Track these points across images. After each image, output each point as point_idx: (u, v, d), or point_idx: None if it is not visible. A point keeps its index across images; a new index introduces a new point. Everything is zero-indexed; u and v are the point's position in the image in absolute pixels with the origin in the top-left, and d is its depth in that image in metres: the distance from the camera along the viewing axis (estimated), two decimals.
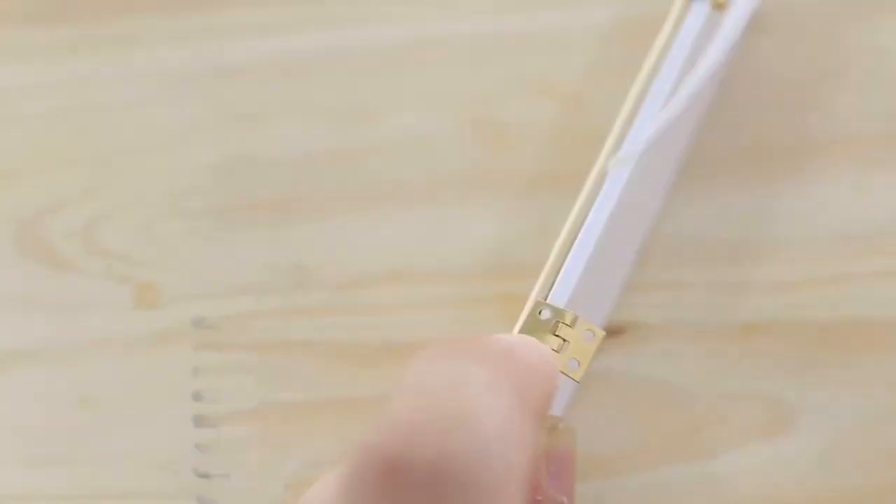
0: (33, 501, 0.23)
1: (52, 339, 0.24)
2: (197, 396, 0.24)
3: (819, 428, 0.23)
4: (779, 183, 0.25)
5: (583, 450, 0.20)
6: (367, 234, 0.25)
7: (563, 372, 0.18)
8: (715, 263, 0.25)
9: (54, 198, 0.25)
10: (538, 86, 0.26)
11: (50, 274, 0.25)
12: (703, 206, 0.25)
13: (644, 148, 0.20)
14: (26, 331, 0.24)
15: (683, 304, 0.24)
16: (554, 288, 0.19)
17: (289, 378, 0.24)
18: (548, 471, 0.20)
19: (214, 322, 0.24)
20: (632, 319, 0.24)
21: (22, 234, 0.25)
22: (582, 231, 0.20)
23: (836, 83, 0.26)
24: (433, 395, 0.15)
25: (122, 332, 0.24)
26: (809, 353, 0.24)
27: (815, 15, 0.26)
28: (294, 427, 0.24)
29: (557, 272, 0.19)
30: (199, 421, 0.24)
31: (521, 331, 0.19)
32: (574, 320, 0.18)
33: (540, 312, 0.18)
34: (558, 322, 0.18)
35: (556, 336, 0.18)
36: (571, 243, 0.20)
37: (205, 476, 0.23)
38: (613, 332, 0.24)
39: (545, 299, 0.19)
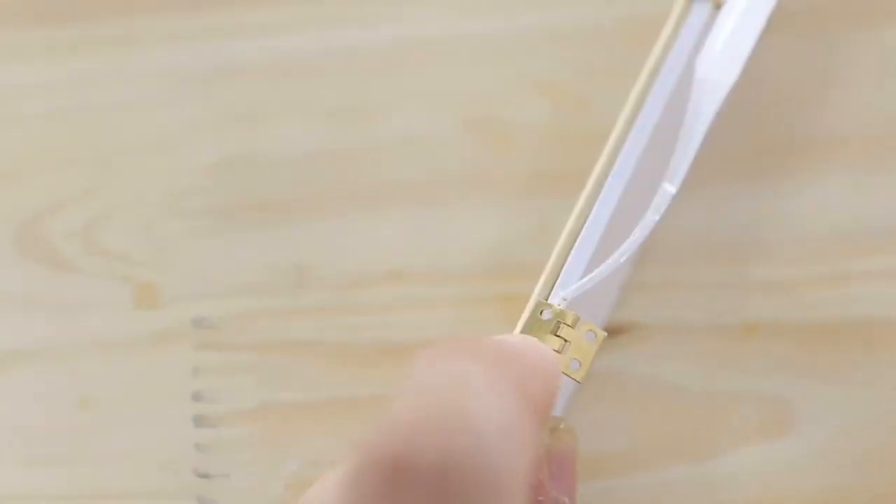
0: (33, 501, 0.23)
1: (52, 339, 0.24)
2: (197, 396, 0.24)
3: (819, 428, 0.23)
4: (779, 183, 0.25)
5: (583, 450, 0.20)
6: (367, 234, 0.25)
7: (564, 373, 0.18)
8: (715, 263, 0.25)
9: (54, 198, 0.25)
10: (538, 86, 0.26)
11: (50, 274, 0.25)
12: (703, 206, 0.25)
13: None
14: (26, 331, 0.24)
15: (683, 304, 0.24)
16: (555, 289, 0.19)
17: (289, 378, 0.24)
18: (549, 471, 0.20)
19: (214, 322, 0.24)
20: (632, 319, 0.24)
21: (22, 234, 0.25)
22: (583, 231, 0.20)
23: (836, 83, 0.26)
24: (434, 395, 0.15)
25: (122, 332, 0.24)
26: (809, 353, 0.24)
27: (814, 15, 0.26)
28: (294, 427, 0.24)
29: (558, 273, 0.20)
30: (199, 421, 0.24)
31: (523, 331, 0.19)
32: (575, 321, 0.18)
33: (541, 313, 0.18)
34: (559, 323, 0.18)
35: (558, 337, 0.18)
36: (573, 244, 0.20)
37: (205, 476, 0.23)
38: (613, 332, 0.24)
39: (546, 300, 0.19)
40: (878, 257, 0.24)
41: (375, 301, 0.24)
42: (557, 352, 0.18)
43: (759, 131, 0.25)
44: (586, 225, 0.20)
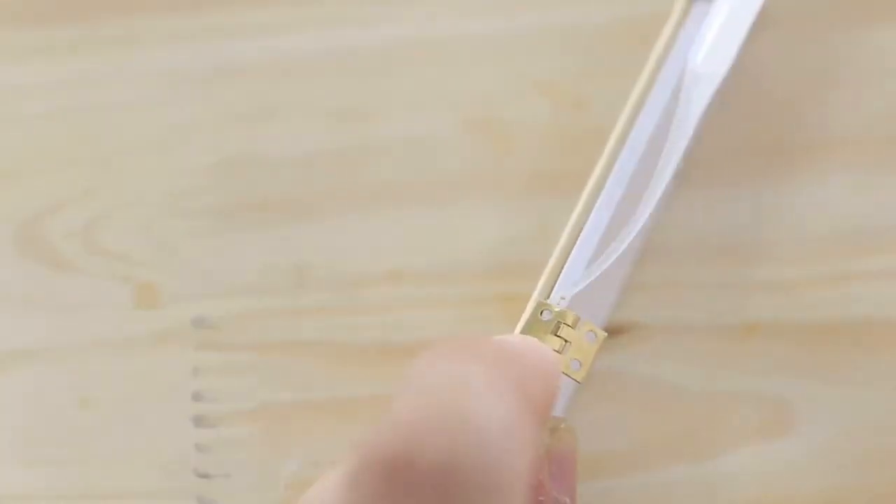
0: (33, 501, 0.23)
1: (52, 339, 0.24)
2: (197, 396, 0.24)
3: (819, 428, 0.23)
4: (779, 183, 0.25)
5: (583, 450, 0.20)
6: (367, 234, 0.25)
7: (565, 373, 0.18)
8: (715, 263, 0.25)
9: (54, 198, 0.25)
10: (538, 86, 0.26)
11: (50, 274, 0.25)
12: (703, 206, 0.25)
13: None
14: (26, 331, 0.24)
15: (683, 304, 0.24)
16: (555, 289, 0.19)
17: (289, 378, 0.24)
18: (549, 471, 0.20)
19: (214, 322, 0.24)
20: (632, 319, 0.24)
21: (22, 234, 0.25)
22: (583, 232, 0.20)
23: (835, 83, 0.26)
24: (435, 395, 0.15)
25: (122, 332, 0.24)
26: (809, 353, 0.24)
27: (814, 15, 0.26)
28: (294, 427, 0.24)
29: (559, 273, 0.20)
30: (199, 421, 0.24)
31: (523, 331, 0.19)
32: (576, 321, 0.18)
33: (542, 313, 0.18)
34: (560, 323, 0.18)
35: (558, 337, 0.18)
36: (573, 244, 0.20)
37: (205, 476, 0.23)
38: (613, 331, 0.24)
39: (546, 300, 0.19)
40: (878, 257, 0.24)
41: (375, 301, 0.24)
42: (558, 352, 0.18)
43: (759, 131, 0.25)
44: (586, 225, 0.20)
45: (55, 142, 0.26)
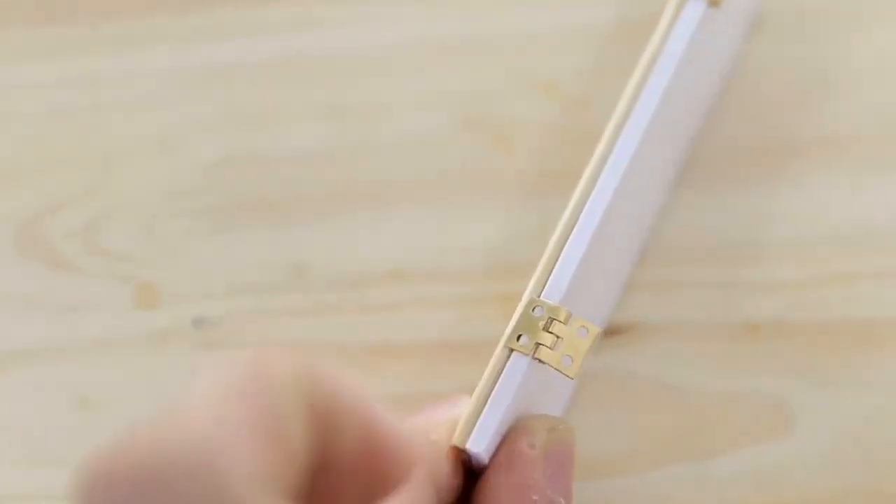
0: (33, 501, 0.23)
1: (52, 339, 0.24)
2: None
3: (819, 428, 0.23)
4: (779, 183, 0.25)
5: (584, 450, 0.20)
6: (367, 234, 0.25)
7: (556, 368, 0.18)
8: (715, 263, 0.25)
9: (54, 198, 0.25)
10: (538, 86, 0.26)
11: (50, 274, 0.25)
12: (704, 206, 0.25)
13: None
14: (26, 331, 0.24)
15: (683, 304, 0.24)
16: (548, 285, 0.19)
17: None
18: (545, 472, 0.20)
19: (214, 322, 0.24)
20: (632, 319, 0.24)
21: (22, 234, 0.25)
22: (576, 228, 0.20)
23: (835, 83, 0.26)
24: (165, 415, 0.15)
25: (122, 332, 0.24)
26: (810, 353, 0.24)
27: (814, 15, 0.26)
28: None
29: (551, 270, 0.20)
30: None
31: (515, 328, 0.19)
32: (568, 317, 0.18)
33: (534, 310, 0.18)
34: (552, 319, 0.18)
35: (550, 333, 0.18)
36: (565, 241, 0.20)
37: None
38: (613, 331, 0.24)
39: (539, 296, 0.19)
40: (877, 258, 0.24)
41: (375, 301, 0.24)
42: (549, 348, 0.18)
43: (758, 131, 0.25)
44: (578, 222, 0.20)
45: (55, 142, 0.26)
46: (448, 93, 0.26)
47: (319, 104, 0.26)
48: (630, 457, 0.23)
